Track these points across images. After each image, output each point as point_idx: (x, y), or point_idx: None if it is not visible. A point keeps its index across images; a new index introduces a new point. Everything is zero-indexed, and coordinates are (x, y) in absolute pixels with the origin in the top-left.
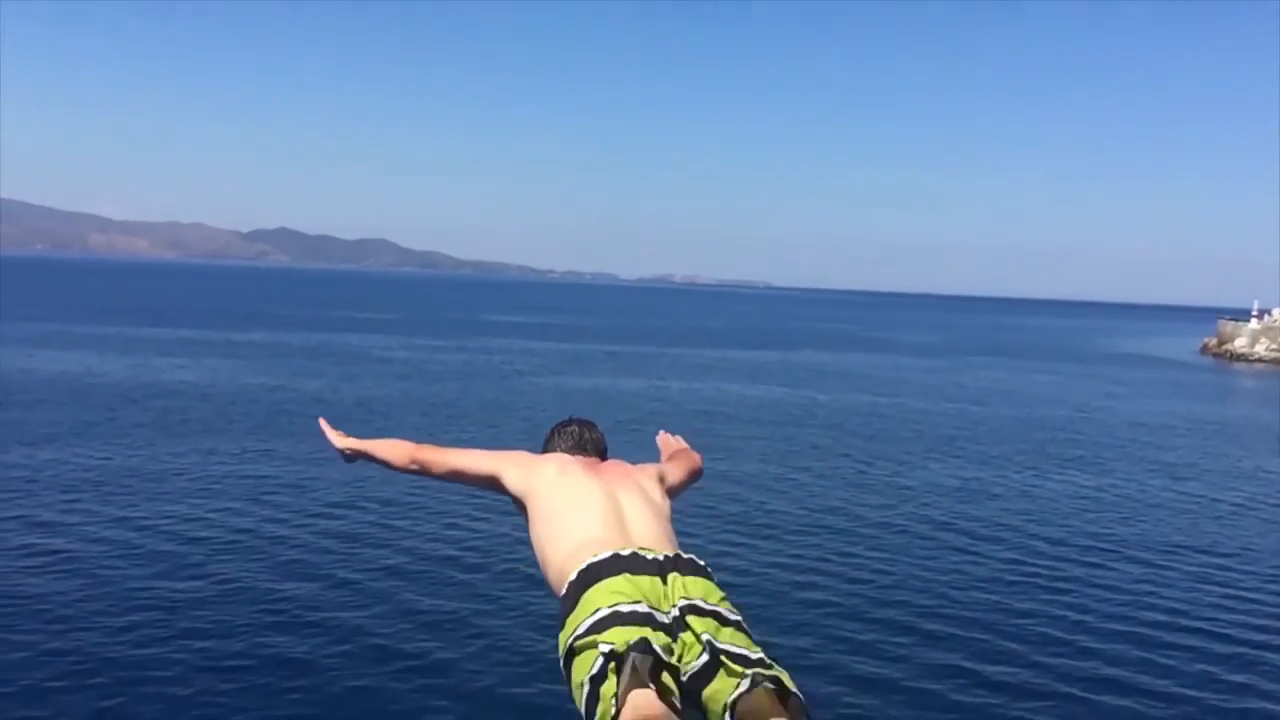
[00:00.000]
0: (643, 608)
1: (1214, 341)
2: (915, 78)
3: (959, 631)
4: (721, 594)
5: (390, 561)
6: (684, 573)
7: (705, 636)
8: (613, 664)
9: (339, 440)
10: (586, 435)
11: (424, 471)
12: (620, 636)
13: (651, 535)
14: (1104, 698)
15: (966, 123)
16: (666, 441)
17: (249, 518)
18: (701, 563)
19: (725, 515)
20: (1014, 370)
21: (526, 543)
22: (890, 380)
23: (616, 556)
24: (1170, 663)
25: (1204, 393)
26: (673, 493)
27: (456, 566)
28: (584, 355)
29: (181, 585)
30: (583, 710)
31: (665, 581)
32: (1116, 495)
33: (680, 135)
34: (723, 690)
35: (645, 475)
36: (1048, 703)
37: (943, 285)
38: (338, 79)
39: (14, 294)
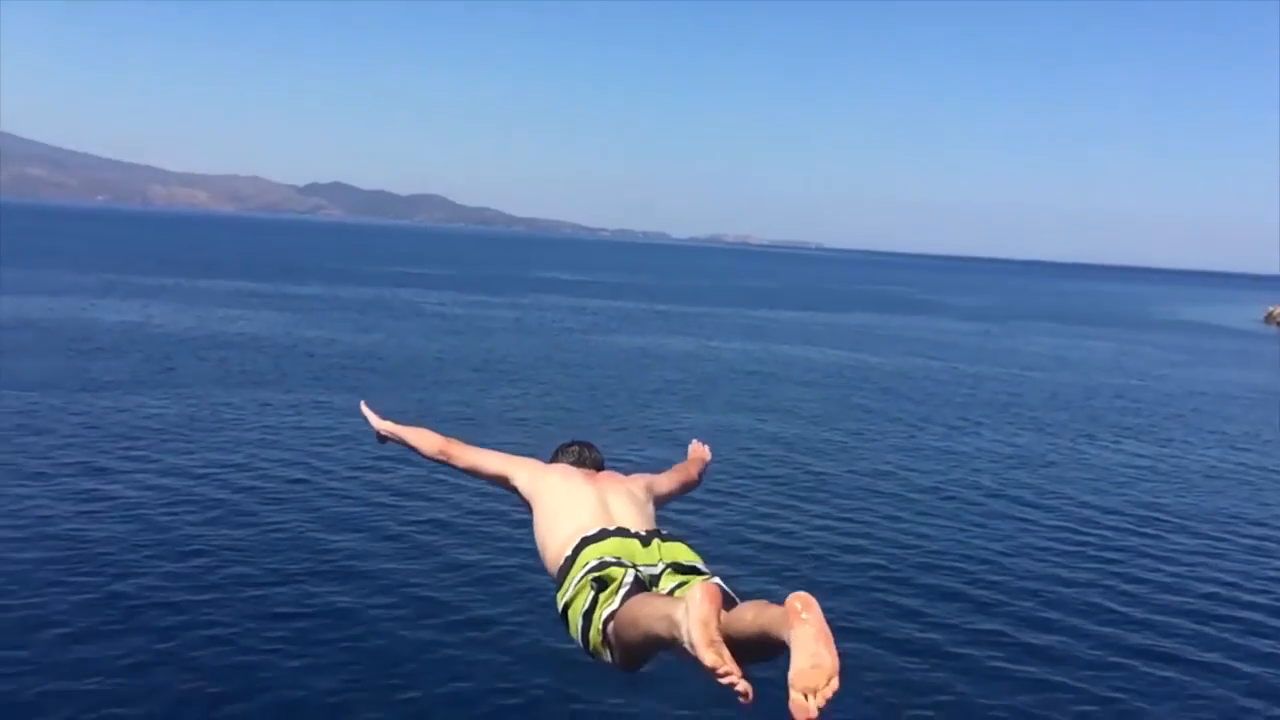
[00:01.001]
0: (628, 561)
1: (1279, 310)
2: (976, 39)
3: (1008, 600)
4: (696, 556)
5: (439, 515)
6: (664, 540)
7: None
8: (602, 590)
9: (378, 423)
10: (586, 454)
11: (448, 462)
12: (609, 572)
13: (635, 520)
14: (1156, 670)
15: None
16: (694, 449)
17: (301, 469)
18: (679, 535)
19: (773, 477)
20: (1070, 336)
21: None
22: (942, 344)
23: (604, 530)
24: (1225, 636)
25: (1267, 362)
26: (659, 500)
27: (506, 521)
28: (634, 314)
29: (233, 534)
30: (580, 638)
31: (647, 545)
32: (1173, 465)
33: (734, 95)
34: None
35: (634, 483)
36: (1097, 673)
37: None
38: (394, 34)
39: (78, 243)
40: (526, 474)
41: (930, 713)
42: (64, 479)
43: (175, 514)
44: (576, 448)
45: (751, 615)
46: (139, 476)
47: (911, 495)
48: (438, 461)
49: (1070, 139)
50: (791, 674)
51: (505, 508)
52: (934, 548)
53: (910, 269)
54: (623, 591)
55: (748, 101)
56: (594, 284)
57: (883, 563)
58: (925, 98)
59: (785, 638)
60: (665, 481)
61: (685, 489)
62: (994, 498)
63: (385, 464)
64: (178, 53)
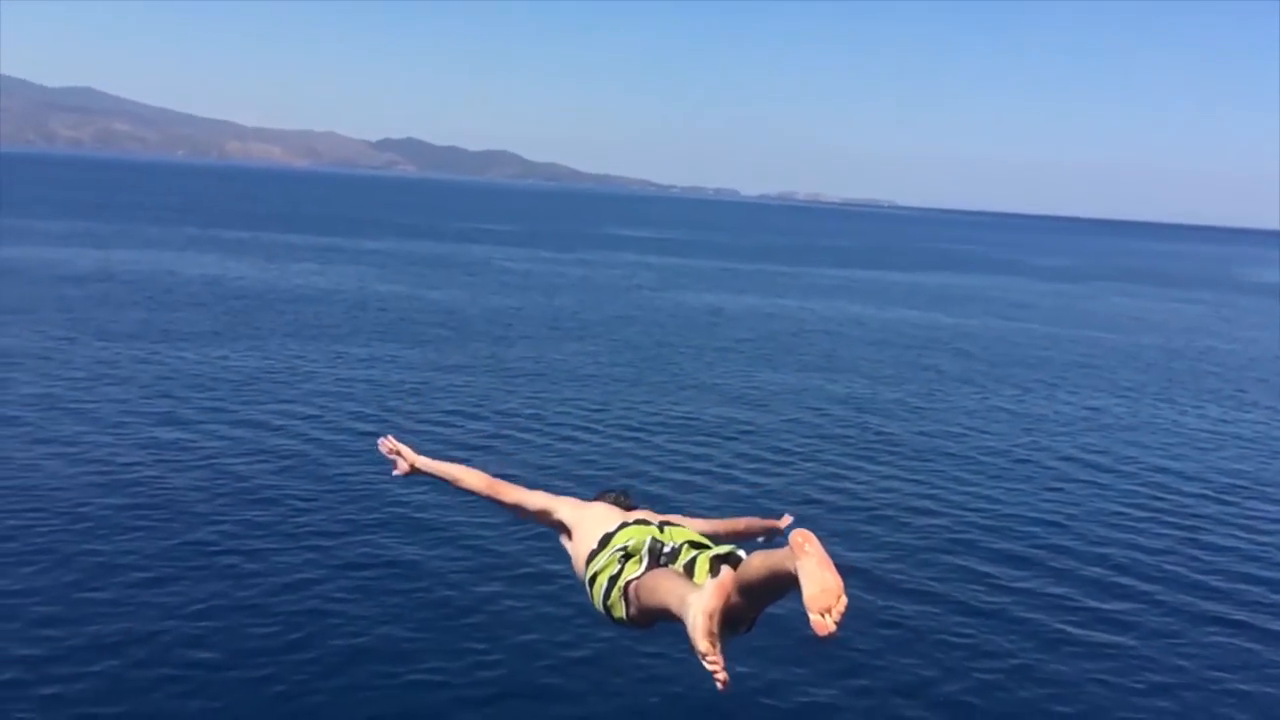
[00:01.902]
0: (648, 540)
1: None
2: None
3: (1079, 565)
4: (706, 539)
5: (510, 471)
6: (676, 525)
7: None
8: (628, 561)
9: (413, 458)
10: (621, 499)
11: (495, 497)
12: (632, 547)
13: (651, 515)
14: (1231, 640)
15: (1103, 41)
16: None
17: (373, 421)
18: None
19: (842, 438)
20: (1151, 298)
21: (645, 458)
22: (1017, 304)
23: (624, 523)
24: None
25: None
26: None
27: (572, 479)
28: (703, 271)
29: (307, 484)
30: (601, 599)
31: (663, 531)
32: (1257, 431)
33: (807, 50)
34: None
35: (658, 514)
36: (1169, 641)
37: (1077, 208)
38: None
39: (161, 198)
40: (569, 509)
41: (998, 676)
42: (144, 428)
43: (251, 464)
44: (612, 494)
45: (760, 560)
46: (216, 427)
47: (982, 458)
48: (484, 498)
49: (1161, 95)
50: (806, 599)
51: (575, 467)
52: (1005, 511)
53: (987, 228)
54: (645, 562)
55: (821, 56)
56: (663, 241)
57: (951, 526)
58: (1005, 52)
59: (793, 569)
60: (704, 524)
61: (731, 535)
62: (1067, 461)
63: (455, 419)
64: (256, 9)
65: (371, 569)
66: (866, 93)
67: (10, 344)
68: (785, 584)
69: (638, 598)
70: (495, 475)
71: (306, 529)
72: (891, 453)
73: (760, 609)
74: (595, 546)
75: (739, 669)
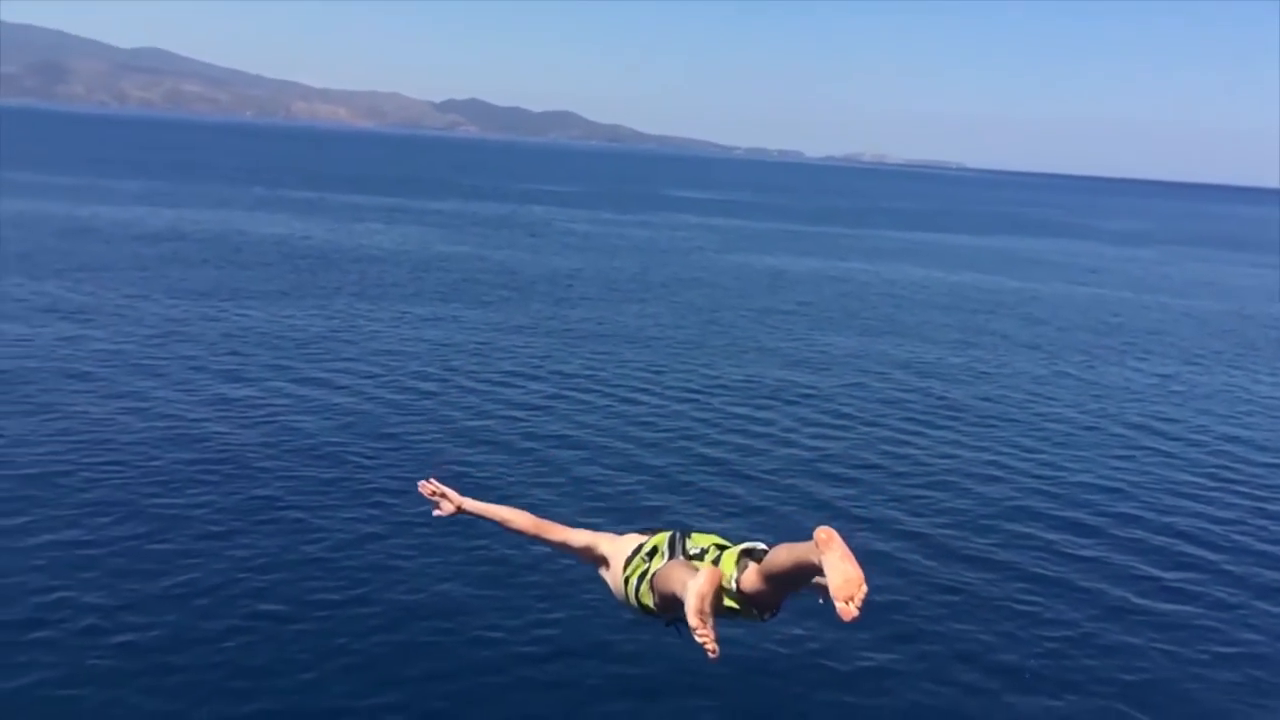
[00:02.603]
0: (668, 537)
1: None
2: None
3: (1146, 535)
4: (726, 540)
5: (567, 432)
6: (701, 531)
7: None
8: (652, 558)
9: (459, 500)
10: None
11: (541, 536)
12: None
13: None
14: None
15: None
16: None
17: (434, 381)
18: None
19: (905, 403)
20: (1229, 263)
21: (704, 420)
22: (1088, 269)
23: (652, 534)
24: None
25: None
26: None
27: (631, 442)
28: (765, 234)
29: (368, 442)
30: (631, 594)
31: (689, 537)
32: None
33: (874, 8)
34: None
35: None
36: (1236, 613)
37: (1154, 170)
38: None
39: (230, 158)
40: (606, 542)
41: (1059, 644)
42: (212, 385)
43: (316, 421)
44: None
45: (785, 554)
46: (282, 384)
47: (1048, 425)
48: (531, 537)
49: (1241, 53)
50: (832, 589)
51: (634, 430)
52: (1070, 479)
53: (1056, 190)
54: (666, 555)
55: (889, 14)
56: (726, 203)
57: (1015, 493)
58: (1075, 9)
59: (817, 561)
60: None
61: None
62: (1135, 429)
63: (516, 380)
64: None
65: (432, 526)
66: (934, 52)
67: (85, 301)
68: (808, 574)
69: (657, 588)
70: (541, 517)
71: (369, 486)
72: (955, 418)
73: (785, 595)
74: (629, 556)
75: (797, 631)
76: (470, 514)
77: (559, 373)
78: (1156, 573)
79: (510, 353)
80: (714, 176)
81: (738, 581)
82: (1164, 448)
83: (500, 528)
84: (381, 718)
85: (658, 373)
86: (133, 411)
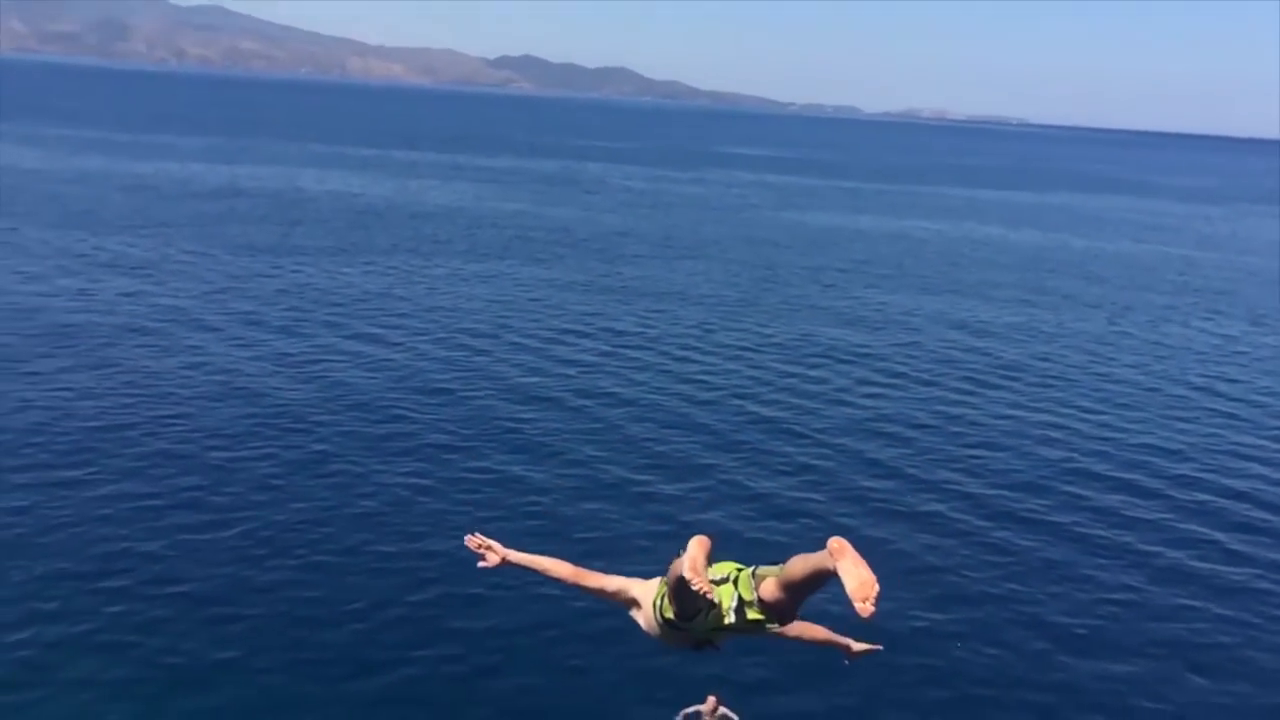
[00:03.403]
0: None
1: None
2: None
3: (1211, 499)
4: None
5: (619, 390)
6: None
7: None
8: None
9: (504, 552)
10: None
11: (579, 583)
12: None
13: None
14: None
15: None
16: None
17: (487, 339)
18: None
19: (961, 363)
20: None
21: (756, 379)
22: (1151, 227)
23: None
24: None
25: None
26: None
27: (683, 400)
28: (820, 191)
29: (423, 399)
30: (656, 621)
31: (710, 566)
32: None
33: None
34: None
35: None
36: None
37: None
38: None
39: (286, 115)
40: (638, 586)
41: (1115, 609)
42: (267, 340)
43: (368, 377)
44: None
45: (801, 563)
46: (335, 340)
47: (1108, 386)
48: (569, 584)
49: None
50: (850, 592)
51: (686, 389)
52: (1130, 441)
53: (1120, 146)
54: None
55: None
56: (780, 160)
57: (1074, 455)
58: None
59: (831, 568)
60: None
61: (809, 639)
62: (1199, 391)
63: (568, 337)
64: None
65: (483, 483)
66: (995, 4)
67: (146, 257)
68: (822, 579)
69: (669, 589)
70: (578, 565)
71: (422, 442)
72: (1012, 379)
73: (801, 600)
74: (657, 592)
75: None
76: (513, 564)
77: (611, 330)
78: (1217, 536)
79: (563, 310)
80: (769, 133)
81: (758, 593)
82: (1227, 409)
83: (542, 575)
84: (432, 668)
85: (710, 331)
86: (191, 366)
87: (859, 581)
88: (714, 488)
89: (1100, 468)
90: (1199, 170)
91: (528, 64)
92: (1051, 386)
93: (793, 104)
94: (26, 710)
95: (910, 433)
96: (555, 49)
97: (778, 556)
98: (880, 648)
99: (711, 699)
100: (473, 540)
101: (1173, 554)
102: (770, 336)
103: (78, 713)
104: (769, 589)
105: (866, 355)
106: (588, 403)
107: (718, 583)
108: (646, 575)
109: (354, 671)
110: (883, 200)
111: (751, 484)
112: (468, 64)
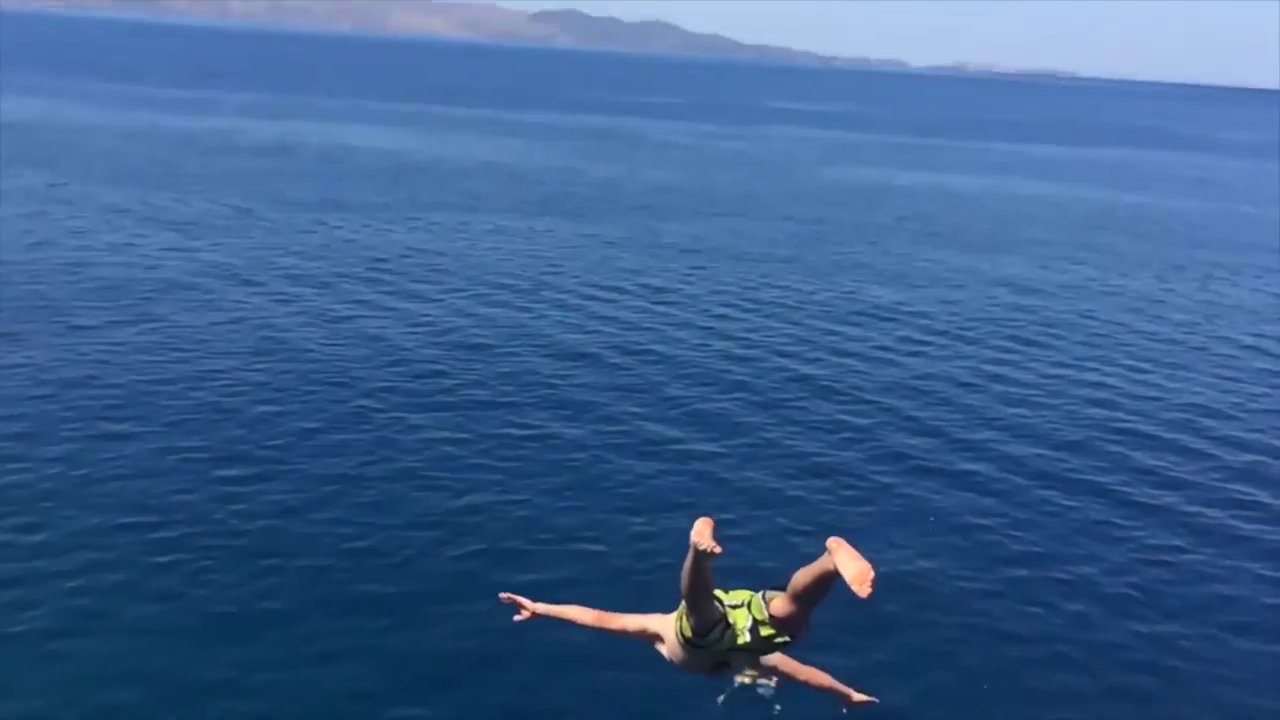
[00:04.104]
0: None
1: None
2: None
3: (1258, 461)
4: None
5: (659, 347)
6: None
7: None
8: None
9: (532, 606)
10: None
11: (602, 626)
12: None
13: None
14: None
15: None
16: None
17: (528, 295)
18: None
19: (1004, 321)
20: None
21: (798, 338)
22: (1204, 182)
23: None
24: None
25: None
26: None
27: (725, 358)
28: (865, 147)
29: (457, 355)
30: (679, 642)
31: (728, 593)
32: None
33: None
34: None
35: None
36: None
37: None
38: None
39: (329, 71)
40: (658, 619)
41: (1161, 570)
42: (308, 296)
43: (408, 333)
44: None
45: (804, 573)
46: (376, 296)
47: (1156, 345)
48: (593, 628)
49: None
50: (849, 579)
51: (727, 346)
52: (1178, 401)
53: (1176, 100)
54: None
55: None
56: (825, 115)
57: (1120, 416)
58: None
59: (832, 568)
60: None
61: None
62: (1249, 351)
63: (608, 294)
64: None
65: (522, 439)
66: None
67: (190, 212)
68: (827, 581)
69: (682, 593)
70: (601, 610)
71: (463, 398)
72: (1058, 337)
73: (809, 609)
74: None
75: (893, 558)
76: (542, 615)
77: (652, 286)
78: (1262, 498)
79: (604, 266)
80: (813, 88)
81: (770, 611)
82: (1277, 370)
83: (570, 622)
84: (473, 623)
85: (752, 288)
86: (235, 321)
87: (856, 570)
88: (753, 445)
89: (1145, 427)
90: (1259, 125)
91: (568, 19)
92: (1097, 345)
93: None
94: (77, 657)
95: (952, 391)
96: (596, 4)
97: (812, 515)
98: (877, 701)
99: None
100: (504, 598)
101: (1215, 514)
102: (812, 294)
103: (127, 658)
104: (779, 606)
105: (909, 313)
106: (627, 360)
107: (733, 607)
108: (684, 532)
109: (395, 624)
110: (928, 156)
111: (791, 442)
112: (508, 18)
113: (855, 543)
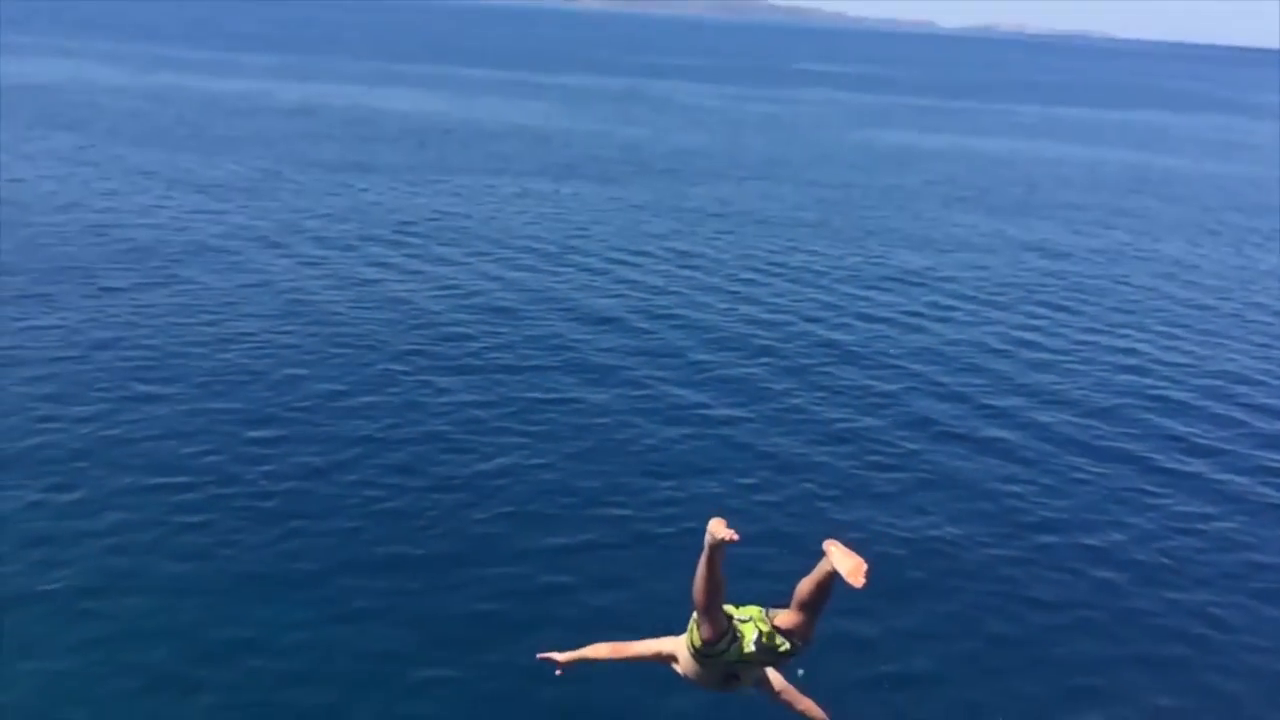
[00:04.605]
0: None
1: None
2: None
3: None
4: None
5: (684, 312)
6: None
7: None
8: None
9: (563, 658)
10: None
11: (623, 657)
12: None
13: None
14: None
15: None
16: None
17: (552, 259)
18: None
19: (1034, 286)
20: None
21: (826, 304)
22: (1239, 145)
23: None
24: None
25: None
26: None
27: (752, 323)
28: (895, 109)
29: (482, 318)
30: (690, 650)
31: (739, 608)
32: None
33: None
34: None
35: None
36: None
37: None
38: None
39: (351, 32)
40: (672, 641)
41: (1190, 538)
42: (333, 259)
43: (433, 296)
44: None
45: (804, 582)
46: (401, 259)
47: (1188, 311)
48: (616, 660)
49: None
50: (844, 573)
51: (755, 312)
52: (1210, 368)
53: (1214, 62)
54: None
55: None
56: (854, 77)
57: (1153, 384)
58: None
59: (829, 569)
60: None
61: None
62: None
63: (634, 258)
64: None
65: (546, 403)
66: None
67: (218, 175)
68: (827, 582)
69: (695, 606)
70: (615, 641)
71: (488, 361)
72: (1089, 303)
73: (813, 616)
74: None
75: (919, 524)
76: (574, 663)
77: (677, 251)
78: None
79: (628, 230)
80: (843, 49)
81: (774, 623)
82: None
83: (596, 661)
84: (499, 584)
85: (778, 252)
86: (260, 284)
87: (850, 565)
88: (780, 411)
89: (1176, 394)
90: None
91: None
92: (1128, 311)
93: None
94: (109, 615)
95: (981, 357)
96: None
97: (839, 480)
98: None
99: None
100: (541, 657)
101: (1246, 481)
102: (840, 259)
103: (157, 616)
104: (784, 619)
105: (938, 278)
106: (653, 324)
107: (741, 621)
108: (709, 496)
109: (422, 585)
110: (959, 118)
111: (817, 407)
112: None
113: (883, 507)
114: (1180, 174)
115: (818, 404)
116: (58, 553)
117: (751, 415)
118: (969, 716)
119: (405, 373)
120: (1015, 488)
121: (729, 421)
